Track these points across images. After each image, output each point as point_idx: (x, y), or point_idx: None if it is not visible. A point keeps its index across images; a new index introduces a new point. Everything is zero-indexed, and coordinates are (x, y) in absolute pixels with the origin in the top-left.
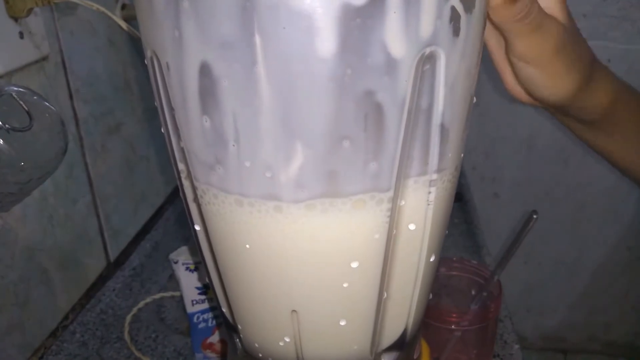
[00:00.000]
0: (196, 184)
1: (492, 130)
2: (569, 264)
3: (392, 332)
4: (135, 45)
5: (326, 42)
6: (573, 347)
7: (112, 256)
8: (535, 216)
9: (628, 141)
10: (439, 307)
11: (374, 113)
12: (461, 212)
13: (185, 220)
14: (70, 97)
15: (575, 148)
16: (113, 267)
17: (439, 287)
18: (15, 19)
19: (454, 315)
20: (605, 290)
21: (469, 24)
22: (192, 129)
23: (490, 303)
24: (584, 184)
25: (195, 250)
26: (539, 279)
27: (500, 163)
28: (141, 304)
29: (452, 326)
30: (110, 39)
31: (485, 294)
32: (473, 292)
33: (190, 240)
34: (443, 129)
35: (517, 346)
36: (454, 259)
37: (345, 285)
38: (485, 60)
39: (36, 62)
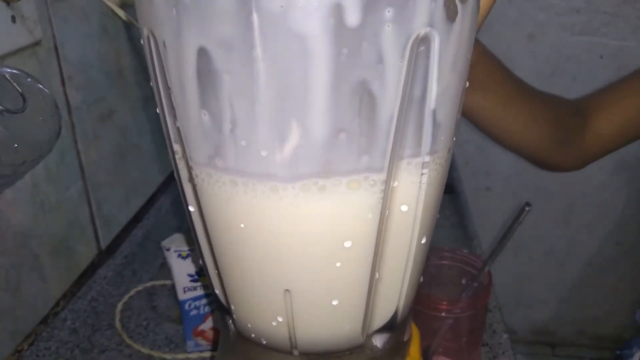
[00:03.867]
0: (191, 163)
1: None
2: (559, 257)
3: (383, 314)
4: (129, 32)
5: (323, 21)
6: (562, 341)
7: (104, 244)
8: (527, 208)
9: (486, 95)
10: (430, 295)
11: (369, 95)
12: (453, 204)
13: (177, 210)
14: (63, 83)
15: None
16: (104, 254)
17: (430, 275)
18: (7, 3)
19: (445, 303)
20: (594, 284)
21: (464, 9)
22: (189, 108)
23: (481, 292)
24: (575, 179)
25: (187, 238)
26: (528, 272)
27: (492, 157)
28: (132, 292)
29: (443, 314)
30: (103, 25)
31: (476, 284)
32: (463, 281)
33: (181, 228)
34: (436, 114)
35: (505, 335)
36: (445, 248)
37: (338, 264)
38: None
39: (28, 47)
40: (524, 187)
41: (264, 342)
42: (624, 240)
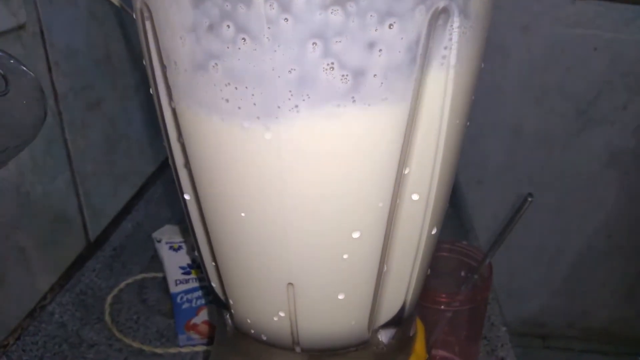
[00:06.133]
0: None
1: (478, 116)
2: (550, 250)
3: (390, 308)
4: (118, 17)
5: None
6: (552, 333)
7: (92, 236)
8: (530, 199)
9: None
10: (429, 287)
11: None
12: None
13: (168, 201)
14: (49, 69)
15: (559, 136)
16: (93, 247)
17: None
18: None
19: (444, 296)
20: (585, 277)
21: None
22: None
23: (481, 285)
24: (568, 172)
25: (179, 229)
26: (520, 264)
27: (484, 150)
28: (122, 284)
29: (442, 307)
30: (91, 10)
31: (476, 277)
32: (463, 274)
33: (173, 220)
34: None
35: (504, 328)
36: (444, 240)
37: (345, 256)
38: None
39: (12, 30)
40: (516, 180)
41: (264, 338)
42: (615, 234)
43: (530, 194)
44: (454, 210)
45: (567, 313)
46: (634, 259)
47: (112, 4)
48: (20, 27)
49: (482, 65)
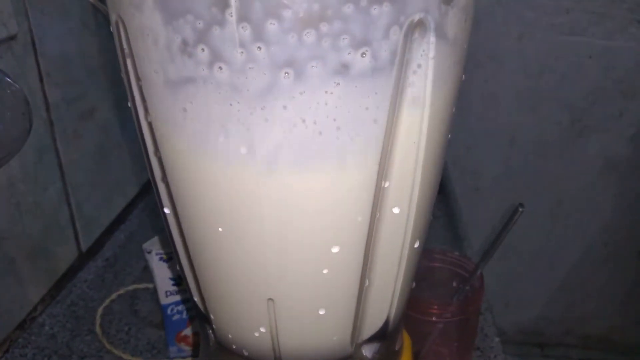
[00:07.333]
0: (164, 159)
1: (474, 123)
2: (547, 258)
3: (373, 322)
4: (109, 27)
5: None
6: (550, 341)
7: (84, 246)
8: (521, 209)
9: None
10: (420, 298)
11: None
12: (442, 204)
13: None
14: (41, 80)
15: (555, 144)
16: (85, 257)
17: (420, 278)
18: None
19: (436, 307)
20: (582, 284)
21: None
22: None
23: (473, 295)
24: (564, 180)
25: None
26: (517, 273)
27: (481, 157)
28: (114, 295)
29: (434, 318)
30: (83, 20)
31: (467, 287)
32: (454, 284)
33: (165, 230)
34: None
35: (497, 339)
36: (436, 250)
37: (325, 271)
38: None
39: (3, 41)
40: (513, 187)
41: (246, 354)
42: (612, 241)
43: (521, 204)
44: (449, 219)
45: (564, 321)
46: (631, 266)
47: (96, 8)
48: (11, 37)
49: (463, 78)
